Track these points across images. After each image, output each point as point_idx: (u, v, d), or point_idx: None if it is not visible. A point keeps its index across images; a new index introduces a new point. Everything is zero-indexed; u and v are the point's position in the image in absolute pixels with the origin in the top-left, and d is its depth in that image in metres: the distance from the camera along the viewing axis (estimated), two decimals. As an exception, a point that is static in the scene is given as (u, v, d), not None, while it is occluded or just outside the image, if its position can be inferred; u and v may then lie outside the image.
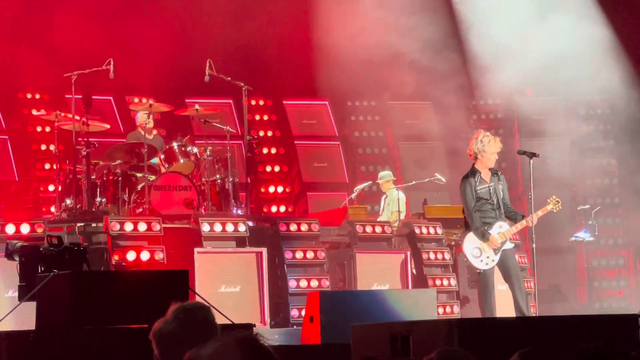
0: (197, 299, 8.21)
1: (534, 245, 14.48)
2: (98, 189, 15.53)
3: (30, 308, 10.39)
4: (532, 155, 14.60)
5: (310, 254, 15.62)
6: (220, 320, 8.95)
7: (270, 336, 13.41)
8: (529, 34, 19.07)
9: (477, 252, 14.06)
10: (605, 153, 19.99)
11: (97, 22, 19.03)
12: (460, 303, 16.27)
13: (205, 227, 14.90)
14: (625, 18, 19.54)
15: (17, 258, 10.58)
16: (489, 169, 14.10)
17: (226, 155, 16.18)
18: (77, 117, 15.90)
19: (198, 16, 19.91)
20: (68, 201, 15.67)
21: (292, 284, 15.31)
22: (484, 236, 13.92)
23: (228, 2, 19.57)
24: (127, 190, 15.48)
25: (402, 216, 17.21)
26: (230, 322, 9.46)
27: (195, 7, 19.94)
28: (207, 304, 6.39)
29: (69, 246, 10.54)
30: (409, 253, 16.21)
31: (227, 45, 18.72)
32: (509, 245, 14.09)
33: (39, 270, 10.27)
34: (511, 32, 19.17)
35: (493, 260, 14.00)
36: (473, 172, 14.06)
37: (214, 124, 17.09)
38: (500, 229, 13.96)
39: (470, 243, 14.06)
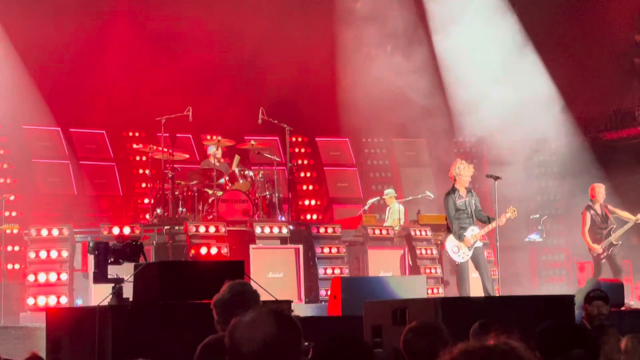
0: (252, 282, 8.26)
1: (498, 243, 14.45)
2: (180, 202, 15.58)
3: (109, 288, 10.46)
4: (497, 178, 14.58)
5: (334, 250, 15.61)
6: (267, 297, 9.00)
7: (304, 310, 13.46)
8: (496, 88, 19.06)
9: (456, 249, 14.03)
10: (550, 177, 19.90)
11: (180, 79, 19.15)
12: (444, 286, 16.22)
13: (257, 230, 14.93)
14: (564, 78, 19.52)
15: (94, 252, 10.64)
16: (465, 188, 14.10)
17: (273, 177, 16.17)
18: (165, 150, 15.98)
19: (253, 74, 19.97)
20: (158, 210, 15.73)
21: (321, 271, 15.30)
22: (460, 237, 13.90)
23: (274, 65, 19.64)
24: (201, 203, 15.52)
25: (402, 222, 17.16)
26: (275, 299, 9.46)
27: (250, 67, 20.02)
28: (258, 285, 6.39)
29: (130, 242, 10.55)
30: (406, 249, 16.17)
31: (274, 96, 18.72)
32: (479, 244, 14.05)
33: (109, 261, 10.30)
34: (484, 86, 19.18)
35: (467, 255, 13.97)
36: (453, 189, 14.05)
37: (265, 154, 17.09)
38: (473, 232, 13.93)
39: (451, 242, 14.04)
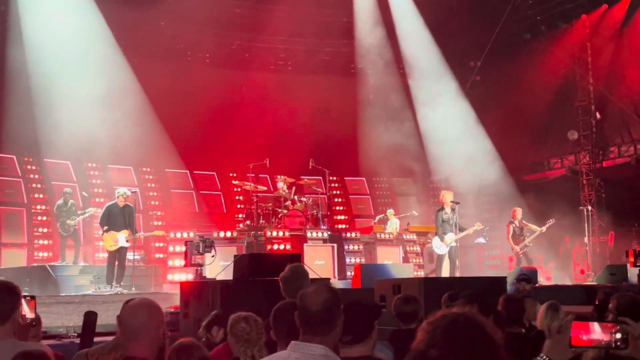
0: (305, 266, 8.32)
1: (458, 244, 14.38)
2: (261, 216, 15.64)
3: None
4: (457, 203, 14.54)
5: (356, 247, 15.64)
6: (315, 276, 9.00)
7: (337, 284, 13.42)
8: (457, 145, 19.05)
9: (439, 245, 14.08)
10: (490, 203, 19.69)
11: (262, 140, 19.29)
12: (424, 270, 16.12)
13: (309, 234, 14.98)
14: (500, 139, 19.39)
15: (186, 247, 10.60)
16: (450, 207, 14.17)
17: (318, 202, 16.23)
18: (252, 184, 16.09)
19: (306, 137, 20.03)
20: (248, 222, 15.78)
21: (348, 260, 15.31)
22: (442, 239, 13.92)
23: (320, 132, 19.73)
24: (274, 217, 15.55)
25: (397, 230, 17.13)
26: (319, 277, 9.49)
27: (304, 133, 20.10)
28: (309, 268, 6.42)
29: (205, 239, 10.50)
30: (401, 247, 16.15)
31: (319, 150, 18.76)
32: (453, 244, 14.05)
33: (194, 251, 10.26)
34: (450, 144, 19.15)
35: (445, 250, 14.01)
36: (442, 208, 14.19)
37: (313, 187, 17.18)
38: (450, 237, 13.95)
39: (436, 241, 14.17)
